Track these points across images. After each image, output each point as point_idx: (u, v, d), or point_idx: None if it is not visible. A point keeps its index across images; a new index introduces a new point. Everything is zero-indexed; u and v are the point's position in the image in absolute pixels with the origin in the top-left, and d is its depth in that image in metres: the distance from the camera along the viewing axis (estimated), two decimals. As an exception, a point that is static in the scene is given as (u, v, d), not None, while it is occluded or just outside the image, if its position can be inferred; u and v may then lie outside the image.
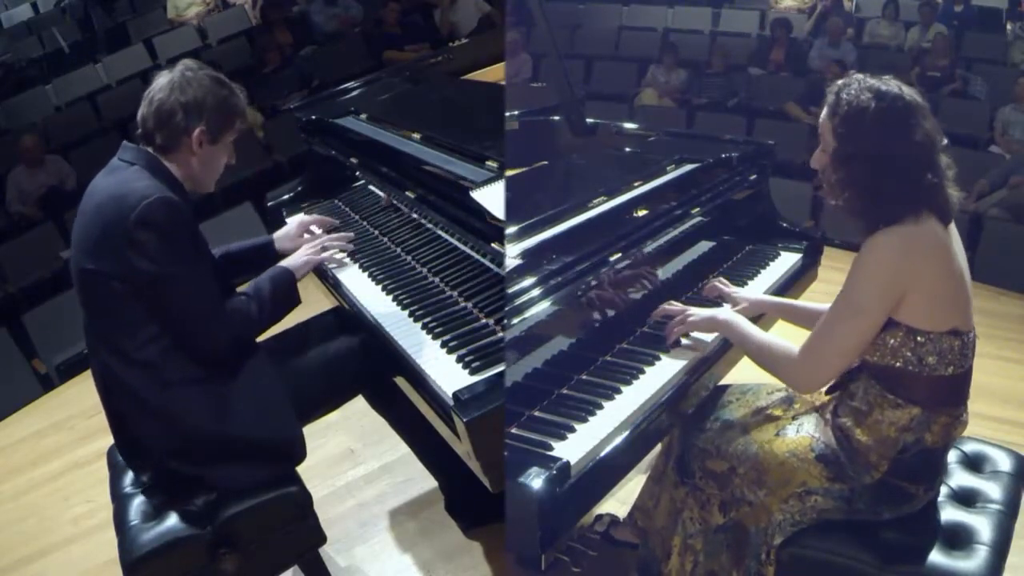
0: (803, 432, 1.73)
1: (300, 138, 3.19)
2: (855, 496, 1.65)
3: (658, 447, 2.05)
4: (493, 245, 1.90)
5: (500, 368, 1.65)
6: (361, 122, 2.93)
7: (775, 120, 6.16)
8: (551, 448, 1.52)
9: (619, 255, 1.92)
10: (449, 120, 2.87)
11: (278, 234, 2.33)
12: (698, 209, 2.25)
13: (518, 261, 1.72)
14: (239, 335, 1.85)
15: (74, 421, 3.63)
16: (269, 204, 3.01)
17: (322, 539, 1.95)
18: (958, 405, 1.63)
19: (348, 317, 2.19)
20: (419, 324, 1.93)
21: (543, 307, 1.67)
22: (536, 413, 1.64)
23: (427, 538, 2.48)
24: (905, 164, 1.53)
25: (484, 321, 1.88)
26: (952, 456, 1.84)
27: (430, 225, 2.29)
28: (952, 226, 1.60)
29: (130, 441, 1.87)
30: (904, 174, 1.53)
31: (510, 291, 1.65)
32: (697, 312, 1.88)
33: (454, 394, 1.59)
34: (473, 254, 2.05)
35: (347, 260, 2.36)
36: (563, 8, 8.16)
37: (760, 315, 2.02)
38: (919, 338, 1.55)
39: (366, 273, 2.27)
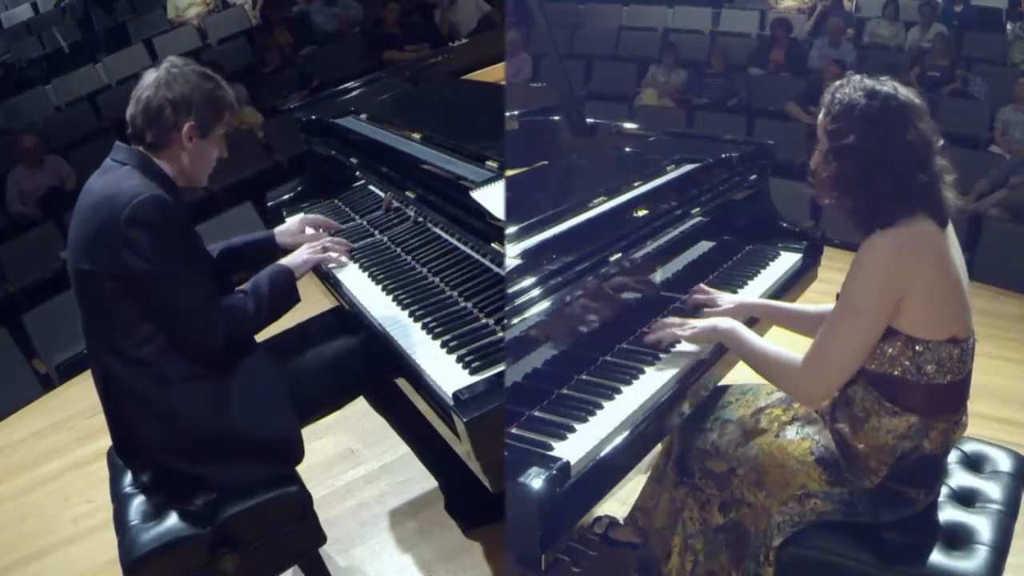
0: (803, 434, 1.73)
1: (300, 138, 3.20)
2: (854, 500, 1.65)
3: (658, 447, 2.05)
4: (493, 245, 1.90)
5: (500, 368, 1.65)
6: (361, 122, 2.93)
7: (775, 120, 6.16)
8: (551, 448, 1.52)
9: (619, 255, 1.91)
10: (449, 120, 2.87)
11: (279, 229, 2.33)
12: (698, 209, 2.25)
13: (518, 261, 1.72)
14: (235, 332, 1.84)
15: (74, 421, 3.63)
16: (269, 204, 3.01)
17: (322, 539, 1.95)
18: (957, 410, 1.62)
19: (348, 317, 2.19)
20: (419, 324, 1.93)
21: (543, 307, 1.67)
22: (536, 413, 1.64)
23: (427, 538, 2.48)
24: (897, 163, 1.52)
25: (484, 321, 1.88)
26: (952, 456, 1.84)
27: (430, 225, 2.29)
28: (950, 230, 1.59)
29: (129, 440, 1.87)
30: (896, 174, 1.51)
31: (510, 291, 1.65)
32: (697, 324, 1.86)
33: (454, 394, 1.59)
34: (473, 254, 2.05)
35: (347, 260, 2.36)
36: (563, 8, 8.16)
37: (754, 320, 2.00)
38: (917, 347, 1.54)
39: (366, 273, 2.27)
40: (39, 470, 3.33)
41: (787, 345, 1.71)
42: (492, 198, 1.86)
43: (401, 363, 1.85)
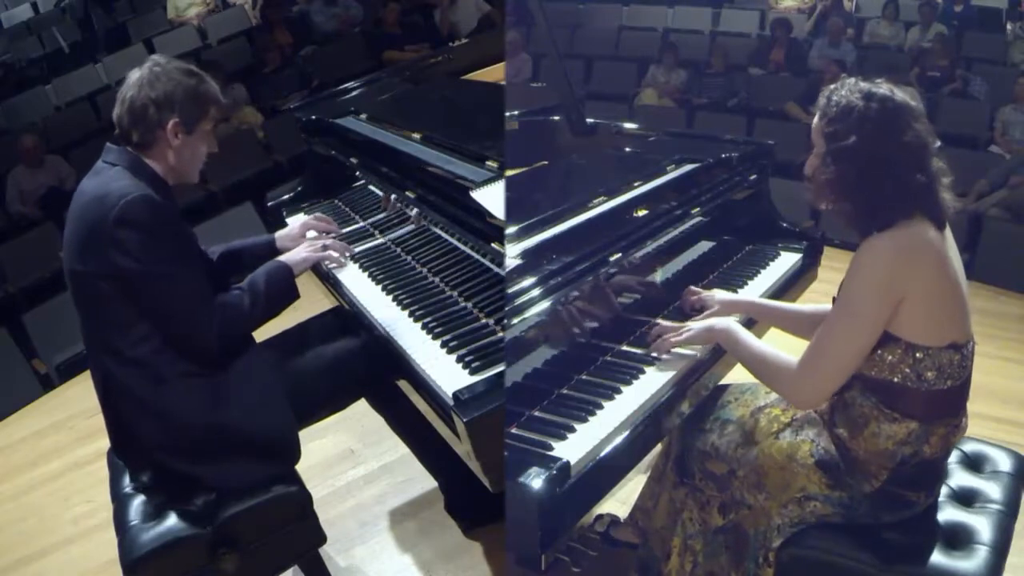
0: (803, 436, 1.72)
1: (300, 138, 3.20)
2: (854, 503, 1.64)
3: (658, 447, 2.05)
4: (493, 245, 1.90)
5: (500, 368, 1.65)
6: (361, 122, 2.93)
7: (775, 120, 6.16)
8: (551, 448, 1.52)
9: (619, 255, 1.91)
10: (449, 120, 2.87)
11: (280, 233, 2.33)
12: (698, 209, 2.25)
13: (518, 261, 1.72)
14: (230, 330, 1.84)
15: (74, 421, 3.63)
16: (269, 204, 3.01)
17: (322, 539, 1.95)
18: (956, 415, 1.62)
19: (348, 317, 2.19)
20: (419, 324, 1.93)
21: (543, 307, 1.67)
22: (536, 413, 1.64)
23: (427, 538, 2.48)
24: (895, 165, 1.51)
25: (484, 321, 1.88)
26: (952, 456, 1.84)
27: (430, 225, 2.29)
28: (948, 232, 1.58)
29: (128, 440, 1.87)
30: (894, 175, 1.51)
31: (510, 291, 1.65)
32: (692, 327, 1.85)
33: (454, 394, 1.59)
34: (473, 254, 2.05)
35: (347, 260, 2.36)
36: (563, 8, 8.16)
37: (752, 322, 2.00)
38: (918, 354, 1.53)
39: (366, 273, 2.27)
40: (39, 470, 3.33)
41: (784, 348, 1.71)
42: (492, 198, 1.86)
43: (401, 363, 1.85)
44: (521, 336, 1.63)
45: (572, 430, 1.57)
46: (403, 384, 1.91)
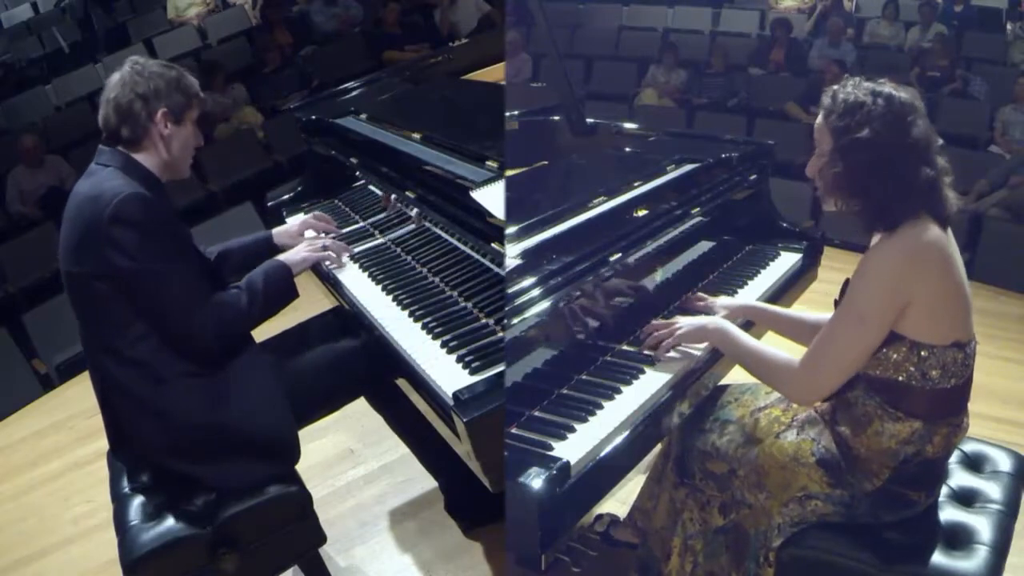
0: (804, 435, 1.72)
1: (300, 138, 3.20)
2: (855, 502, 1.65)
3: (658, 447, 2.05)
4: (493, 245, 1.90)
5: (500, 368, 1.65)
6: (361, 122, 2.93)
7: (775, 120, 6.16)
8: (551, 448, 1.52)
9: (619, 255, 1.91)
10: (449, 120, 2.87)
11: (278, 230, 2.33)
12: (698, 209, 2.25)
13: (518, 261, 1.72)
14: (227, 329, 1.85)
15: (74, 421, 3.63)
16: (269, 204, 3.01)
17: (322, 539, 1.95)
18: (958, 414, 1.62)
19: (348, 317, 2.19)
20: (419, 324, 1.93)
21: (543, 307, 1.67)
22: (536, 413, 1.64)
23: (427, 538, 2.48)
24: (902, 160, 1.52)
25: (484, 321, 1.88)
26: (952, 456, 1.84)
27: (430, 225, 2.29)
28: (949, 232, 1.58)
29: (127, 441, 1.87)
30: (901, 170, 1.52)
31: (510, 291, 1.65)
32: (685, 323, 1.85)
33: (454, 394, 1.59)
34: (473, 254, 2.05)
35: (347, 260, 2.36)
36: (563, 8, 8.16)
37: (750, 324, 2.00)
38: (922, 352, 1.54)
39: (366, 273, 2.27)
40: (39, 470, 3.33)
41: (782, 348, 1.71)
42: (492, 198, 1.86)
43: (401, 363, 1.85)
44: (521, 336, 1.63)
45: (572, 430, 1.57)
46: (403, 384, 1.91)
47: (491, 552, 2.37)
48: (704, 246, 2.29)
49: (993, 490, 1.78)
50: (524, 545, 1.43)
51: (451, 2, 7.00)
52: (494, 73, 3.27)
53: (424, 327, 1.91)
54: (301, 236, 2.32)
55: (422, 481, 2.64)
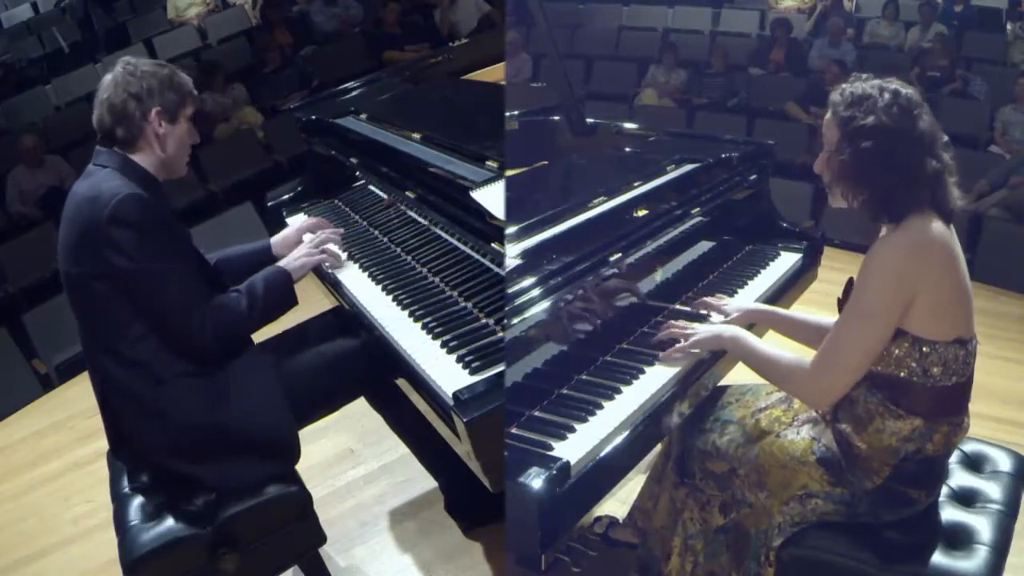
0: (803, 434, 1.72)
1: (300, 138, 3.19)
2: (855, 500, 1.65)
3: (658, 447, 2.05)
4: (493, 245, 1.90)
5: (500, 368, 1.65)
6: (361, 122, 2.93)
7: (775, 120, 6.16)
8: (551, 448, 1.52)
9: (619, 255, 1.91)
10: (449, 120, 2.87)
11: (275, 239, 2.33)
12: (698, 209, 2.25)
13: (518, 261, 1.72)
14: (226, 331, 1.85)
15: (74, 421, 3.63)
16: (269, 204, 3.01)
17: (322, 539, 1.95)
18: (959, 412, 1.62)
19: (348, 317, 2.19)
20: (419, 324, 1.93)
21: (543, 307, 1.67)
22: (536, 413, 1.64)
23: (427, 538, 2.48)
24: (909, 152, 1.53)
25: (484, 321, 1.88)
26: (952, 456, 1.84)
27: (430, 225, 2.29)
28: (953, 228, 1.59)
29: (127, 441, 1.87)
30: (907, 161, 1.52)
31: (510, 291, 1.65)
32: (700, 330, 1.85)
33: (454, 394, 1.59)
34: (473, 254, 2.05)
35: (347, 260, 2.36)
36: (563, 8, 8.16)
37: (751, 325, 1.99)
38: (924, 348, 1.54)
39: (366, 273, 2.27)
40: (39, 470, 3.33)
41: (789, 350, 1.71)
42: (492, 198, 1.86)
43: (401, 363, 1.85)
44: (521, 336, 1.63)
45: (572, 430, 1.57)
46: (403, 384, 1.91)
47: (491, 552, 2.37)
48: (704, 246, 2.29)
49: (993, 490, 1.78)
50: (524, 545, 1.43)
51: (451, 2, 7.00)
52: (494, 73, 3.27)
53: (424, 327, 1.91)
54: (299, 243, 2.32)
55: (422, 481, 2.64)
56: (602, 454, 1.55)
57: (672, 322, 1.91)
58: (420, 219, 2.35)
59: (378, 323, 2.00)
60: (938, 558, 1.61)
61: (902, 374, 1.56)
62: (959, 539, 1.66)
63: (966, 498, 1.77)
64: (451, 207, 2.11)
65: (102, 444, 1.99)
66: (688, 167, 2.36)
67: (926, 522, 1.68)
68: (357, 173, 2.80)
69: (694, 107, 6.63)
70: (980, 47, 6.68)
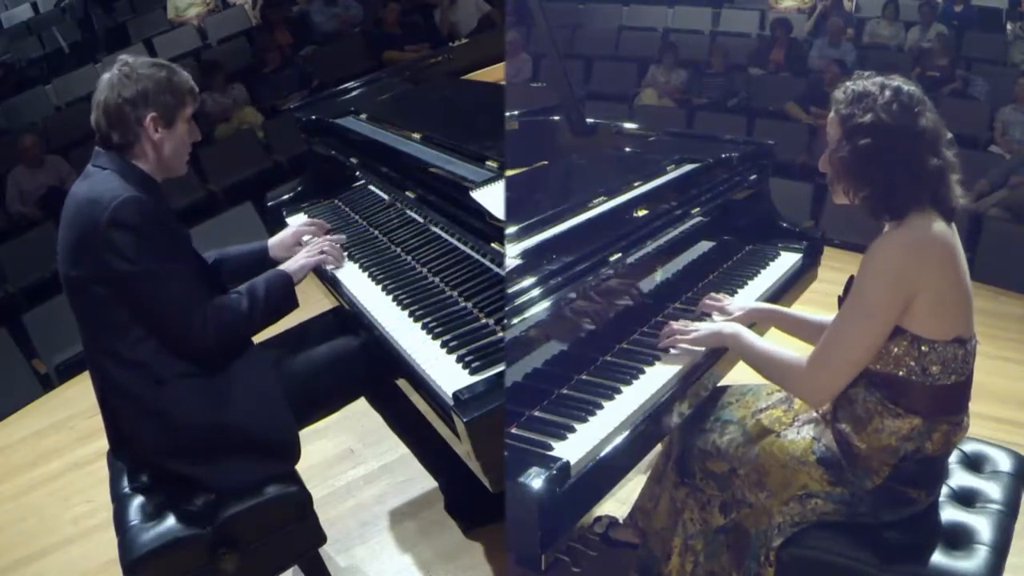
0: (803, 434, 1.72)
1: (300, 138, 3.19)
2: (855, 500, 1.65)
3: (658, 447, 2.05)
4: (493, 245, 1.90)
5: (500, 368, 1.65)
6: (361, 122, 2.93)
7: (775, 120, 6.16)
8: (551, 448, 1.52)
9: (619, 255, 1.91)
10: (449, 120, 2.87)
11: (272, 241, 2.32)
12: (698, 209, 2.25)
13: (518, 261, 1.72)
14: (227, 331, 1.85)
15: (74, 421, 3.63)
16: (269, 204, 3.01)
17: (322, 539, 1.95)
18: (959, 412, 1.62)
19: (348, 317, 2.19)
20: (419, 324, 1.93)
21: (543, 307, 1.67)
22: (536, 413, 1.64)
23: (427, 538, 2.48)
24: (910, 148, 1.53)
25: (484, 321, 1.88)
26: (952, 456, 1.84)
27: (430, 225, 2.29)
28: (954, 227, 1.59)
29: (127, 442, 1.87)
30: (908, 158, 1.52)
31: (510, 291, 1.65)
32: (701, 327, 1.86)
33: (454, 394, 1.59)
34: (473, 254, 2.05)
35: (347, 260, 2.36)
36: (563, 8, 8.16)
37: (752, 323, 1.99)
38: (923, 347, 1.54)
39: (366, 273, 2.27)
40: (39, 470, 3.33)
41: (791, 348, 1.71)
42: (492, 198, 1.86)
43: (401, 363, 1.85)
44: (521, 336, 1.63)
45: (572, 430, 1.57)
46: (403, 384, 1.91)
47: (491, 552, 2.37)
48: (704, 246, 2.29)
49: (993, 490, 1.78)
50: (524, 545, 1.43)
51: (451, 2, 7.00)
52: (494, 73, 3.27)
53: (424, 327, 1.91)
54: (296, 245, 2.32)
55: (422, 481, 2.64)
56: (602, 454, 1.55)
57: (672, 322, 1.91)
58: (420, 219, 2.35)
59: (378, 323, 2.00)
60: (938, 558, 1.60)
61: (901, 373, 1.56)
62: (959, 539, 1.66)
63: (966, 498, 1.77)
64: (451, 207, 2.11)
65: (102, 444, 1.99)
66: (688, 167, 2.36)
67: (926, 522, 1.68)
68: (357, 173, 2.80)
69: (694, 107, 6.63)
70: (980, 47, 6.68)
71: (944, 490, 1.75)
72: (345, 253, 2.36)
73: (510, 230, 1.81)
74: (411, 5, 7.47)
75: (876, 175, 1.54)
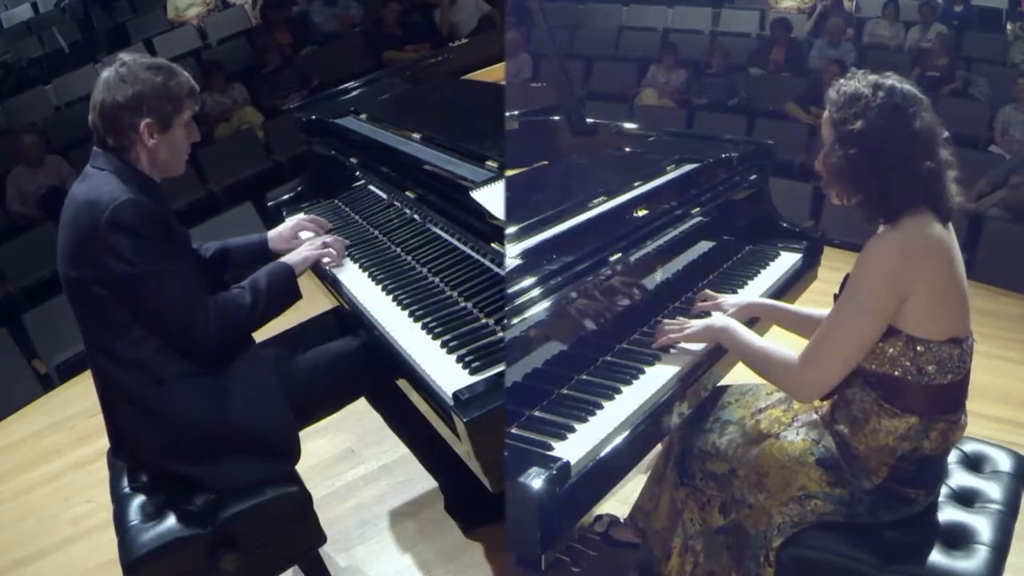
0: (803, 435, 1.72)
1: (300, 138, 3.19)
2: (855, 501, 1.65)
3: (658, 447, 2.05)
4: (493, 245, 1.90)
5: (500, 368, 1.65)
6: (361, 122, 2.93)
7: (775, 120, 6.16)
8: (551, 448, 1.52)
9: (619, 255, 1.91)
10: (449, 120, 2.87)
11: (272, 234, 2.33)
12: (698, 209, 2.25)
13: (518, 261, 1.72)
14: (230, 326, 1.85)
15: (74, 421, 3.63)
16: (269, 204, 3.01)
17: (322, 539, 1.95)
18: (956, 411, 1.62)
19: (348, 317, 2.19)
20: (419, 324, 1.93)
21: (543, 307, 1.67)
22: (536, 413, 1.64)
23: (427, 538, 2.48)
24: (904, 151, 1.52)
25: (484, 321, 1.88)
26: (952, 456, 1.84)
27: (430, 225, 2.29)
28: (950, 227, 1.59)
29: (127, 442, 1.87)
30: (903, 161, 1.52)
31: (510, 291, 1.65)
32: (693, 324, 1.86)
33: (454, 394, 1.59)
34: (473, 254, 2.05)
35: (347, 260, 2.36)
36: (563, 8, 8.16)
37: (754, 320, 2.00)
38: (919, 347, 1.54)
39: (366, 273, 2.27)
40: (39, 470, 3.33)
41: (787, 346, 1.71)
42: (492, 198, 1.86)
43: (401, 363, 1.85)
44: (521, 336, 1.63)
45: (572, 430, 1.57)
46: (403, 384, 1.91)
47: (491, 552, 2.37)
48: (704, 246, 2.29)
49: (993, 490, 1.77)
50: (524, 545, 1.43)
51: (451, 2, 7.00)
52: (494, 73, 3.26)
53: (424, 327, 1.91)
54: (295, 239, 2.32)
55: (422, 481, 2.64)
56: (602, 454, 1.55)
57: (666, 320, 1.91)
58: (420, 219, 2.35)
59: (378, 323, 2.00)
60: (938, 558, 1.60)
61: (896, 373, 1.56)
62: (959, 539, 1.66)
63: (966, 498, 1.77)
64: (451, 207, 2.11)
65: (102, 444, 1.99)
66: (688, 167, 2.36)
67: (926, 522, 1.68)
68: (357, 173, 2.80)
69: (694, 107, 6.63)
70: (980, 47, 6.68)
71: (944, 490, 1.75)
72: (346, 252, 2.36)
73: (510, 230, 1.81)
74: (411, 5, 7.47)
75: (870, 181, 1.54)
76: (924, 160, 1.52)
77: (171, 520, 1.79)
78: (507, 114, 2.60)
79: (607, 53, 7.72)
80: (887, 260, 1.52)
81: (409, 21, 7.28)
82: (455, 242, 2.14)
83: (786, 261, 2.42)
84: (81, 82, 7.09)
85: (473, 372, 1.69)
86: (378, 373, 2.03)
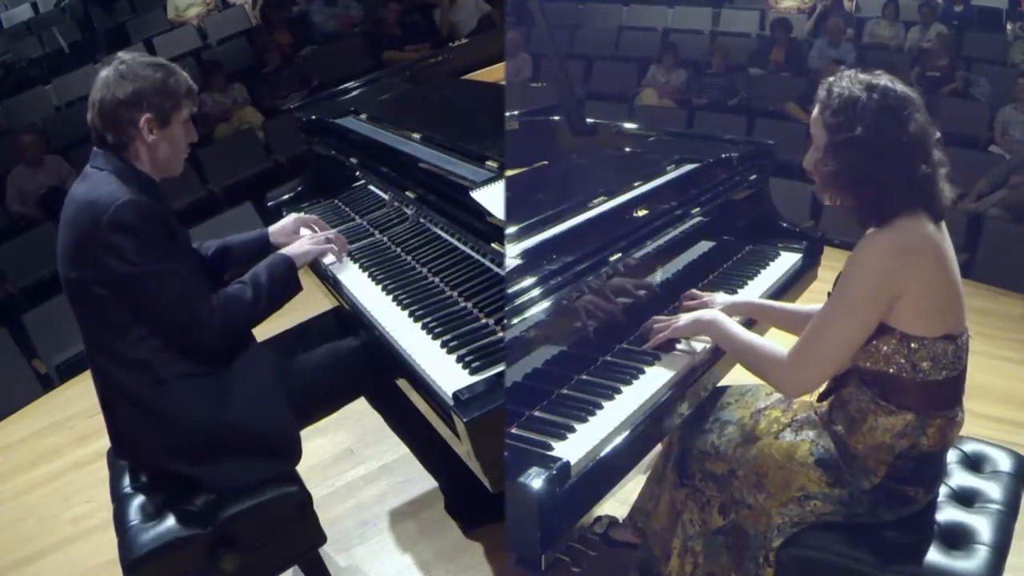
0: (802, 436, 1.72)
1: (300, 138, 3.20)
2: (854, 500, 1.65)
3: (658, 448, 2.05)
4: (493, 245, 1.90)
5: (500, 368, 1.65)
6: (361, 122, 2.93)
7: (775, 120, 6.16)
8: (551, 448, 1.52)
9: (619, 255, 1.91)
10: (449, 120, 2.87)
11: (273, 228, 2.33)
12: (698, 209, 2.25)
13: (518, 261, 1.72)
14: (232, 322, 1.85)
15: (74, 421, 3.63)
16: (269, 204, 3.02)
17: (322, 539, 1.95)
18: (952, 407, 1.62)
19: (348, 317, 2.19)
20: (419, 324, 1.93)
21: (543, 307, 1.67)
22: (536, 413, 1.64)
23: (427, 538, 2.48)
24: (900, 156, 1.51)
25: (484, 321, 1.88)
26: (952, 456, 1.84)
27: (430, 225, 2.29)
28: (943, 225, 1.58)
29: (128, 442, 1.87)
30: (898, 167, 1.51)
31: (510, 291, 1.65)
32: (681, 318, 1.86)
33: (454, 394, 1.59)
34: (473, 254, 2.05)
35: (347, 260, 2.36)
36: (563, 8, 8.16)
37: (752, 322, 2.00)
38: (912, 344, 1.54)
39: (366, 273, 2.27)
40: (39, 470, 3.33)
41: (783, 344, 1.71)
42: (492, 198, 1.86)
43: (401, 363, 1.85)
44: (521, 336, 1.63)
45: (572, 430, 1.57)
46: (403, 384, 1.91)
47: (491, 552, 2.37)
48: (704, 246, 2.29)
49: (993, 490, 1.77)
50: (524, 545, 1.43)
51: (451, 2, 7.00)
52: (494, 73, 3.27)
53: (424, 327, 1.91)
54: (296, 234, 2.32)
55: (422, 481, 2.64)
56: (602, 454, 1.55)
57: (655, 318, 1.91)
58: (420, 219, 2.35)
59: (378, 323, 2.00)
60: (938, 558, 1.60)
61: (891, 370, 1.56)
62: (959, 539, 1.66)
63: (966, 498, 1.77)
64: (451, 207, 2.11)
65: (102, 444, 1.99)
66: (688, 167, 2.36)
67: (926, 522, 1.68)
68: (357, 173, 2.80)
69: (694, 107, 6.64)
70: (980, 47, 6.68)
71: (944, 490, 1.75)
72: (346, 252, 2.36)
73: (510, 230, 1.81)
74: (411, 5, 7.47)
75: (866, 187, 1.53)
76: (919, 163, 1.51)
77: (171, 520, 1.79)
78: (507, 114, 2.60)
79: (607, 53, 7.73)
80: (879, 260, 1.51)
81: (409, 21, 7.29)
82: (455, 242, 2.15)
83: (786, 261, 2.42)
84: (81, 82, 7.09)
85: (473, 372, 1.69)
86: (378, 373, 2.03)
